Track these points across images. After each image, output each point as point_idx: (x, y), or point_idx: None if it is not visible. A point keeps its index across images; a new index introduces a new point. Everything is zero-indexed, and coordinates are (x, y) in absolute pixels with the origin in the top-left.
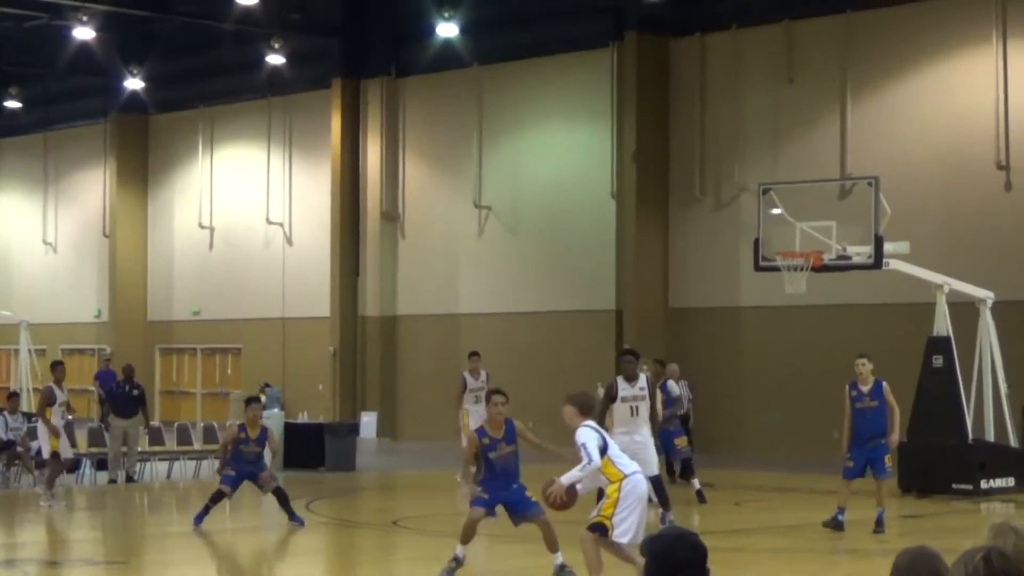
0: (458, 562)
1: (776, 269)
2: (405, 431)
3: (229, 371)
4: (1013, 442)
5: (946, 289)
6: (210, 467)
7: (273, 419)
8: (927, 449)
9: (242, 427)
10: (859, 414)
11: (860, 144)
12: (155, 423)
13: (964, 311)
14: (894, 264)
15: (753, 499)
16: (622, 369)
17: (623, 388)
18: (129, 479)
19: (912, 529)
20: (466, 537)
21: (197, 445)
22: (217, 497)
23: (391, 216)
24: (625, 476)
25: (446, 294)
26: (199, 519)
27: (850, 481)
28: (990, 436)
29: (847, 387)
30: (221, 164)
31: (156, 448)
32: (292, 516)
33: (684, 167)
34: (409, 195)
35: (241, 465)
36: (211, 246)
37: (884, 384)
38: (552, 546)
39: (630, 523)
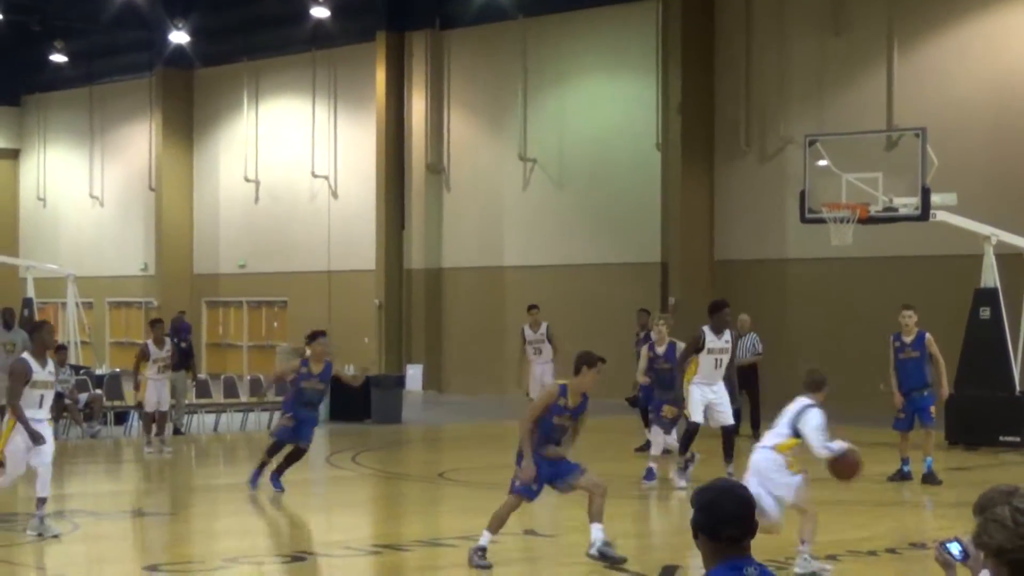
0: (483, 552)
1: (822, 221)
2: (450, 384)
3: (275, 324)
4: None
5: (993, 241)
6: (257, 420)
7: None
8: (974, 401)
9: (304, 362)
10: (901, 365)
11: (907, 95)
12: (202, 376)
13: (1011, 263)
14: (941, 216)
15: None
16: (713, 321)
17: (711, 340)
18: (177, 431)
19: (959, 481)
20: (498, 525)
21: (243, 397)
22: (273, 449)
23: (436, 169)
24: None
25: (491, 247)
26: (255, 479)
27: (906, 432)
28: None
29: (891, 338)
30: (266, 118)
31: (203, 401)
32: (277, 477)
33: (729, 119)
34: (454, 148)
35: (300, 408)
36: (256, 200)
37: (927, 335)
38: (597, 516)
39: None
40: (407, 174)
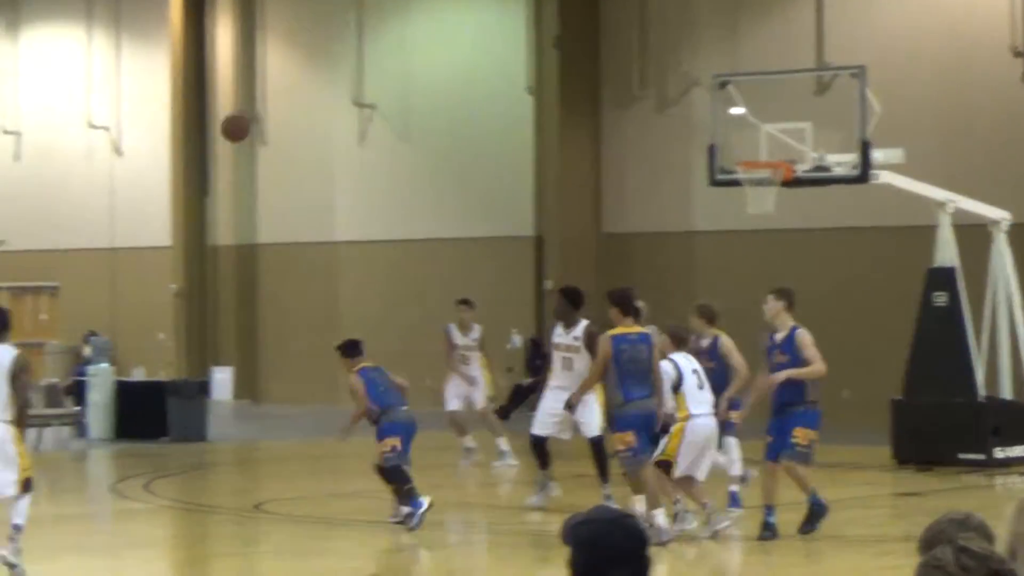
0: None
1: (737, 184)
2: (268, 392)
3: (44, 315)
4: None
5: (950, 208)
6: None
7: (100, 376)
8: (928, 410)
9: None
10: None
11: (841, 26)
12: None
13: (973, 236)
14: (885, 177)
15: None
16: (557, 312)
17: (557, 334)
18: None
19: (909, 510)
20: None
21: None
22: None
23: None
24: (690, 416)
25: (320, 217)
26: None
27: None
28: (1006, 393)
29: (765, 336)
30: (28, 52)
31: None
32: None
33: (620, 55)
34: (270, 92)
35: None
36: (17, 156)
37: (799, 332)
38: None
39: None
40: (211, 125)
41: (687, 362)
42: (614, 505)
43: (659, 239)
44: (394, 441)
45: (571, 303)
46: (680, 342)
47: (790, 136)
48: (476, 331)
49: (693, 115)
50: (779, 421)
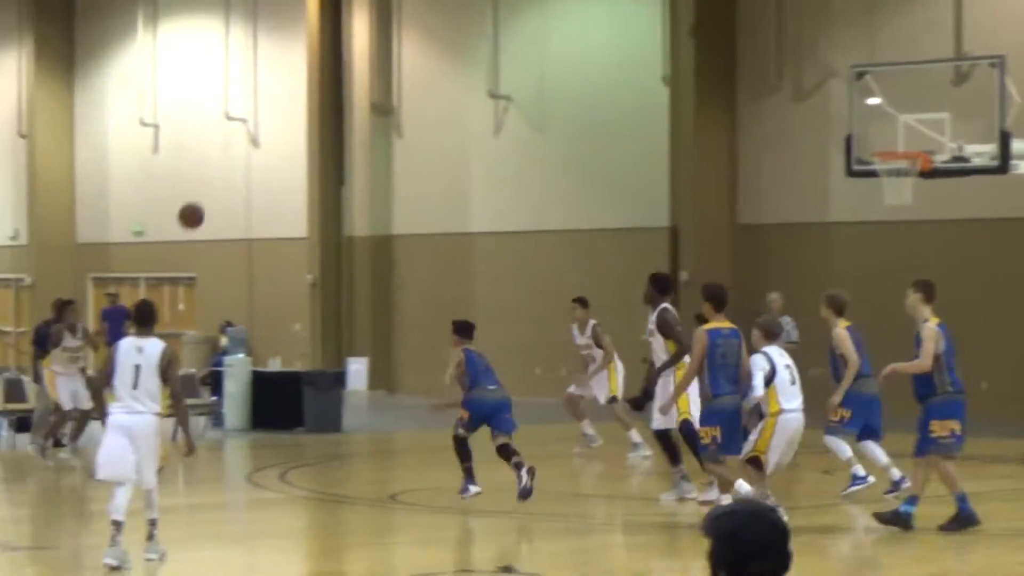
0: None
1: (874, 174)
2: (403, 382)
3: (181, 306)
4: None
5: None
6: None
7: (237, 367)
8: None
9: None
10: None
11: (980, 15)
12: (91, 372)
13: None
14: None
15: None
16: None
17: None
18: (57, 444)
19: None
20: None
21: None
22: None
23: (384, 110)
24: (781, 411)
25: (455, 208)
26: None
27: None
28: None
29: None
30: (168, 44)
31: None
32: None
33: (756, 45)
34: (406, 83)
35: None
36: (156, 149)
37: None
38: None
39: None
40: (347, 116)
41: (780, 356)
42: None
43: (795, 230)
44: (467, 414)
45: (658, 290)
46: (771, 336)
47: (928, 126)
48: (589, 328)
49: (830, 106)
50: (921, 416)
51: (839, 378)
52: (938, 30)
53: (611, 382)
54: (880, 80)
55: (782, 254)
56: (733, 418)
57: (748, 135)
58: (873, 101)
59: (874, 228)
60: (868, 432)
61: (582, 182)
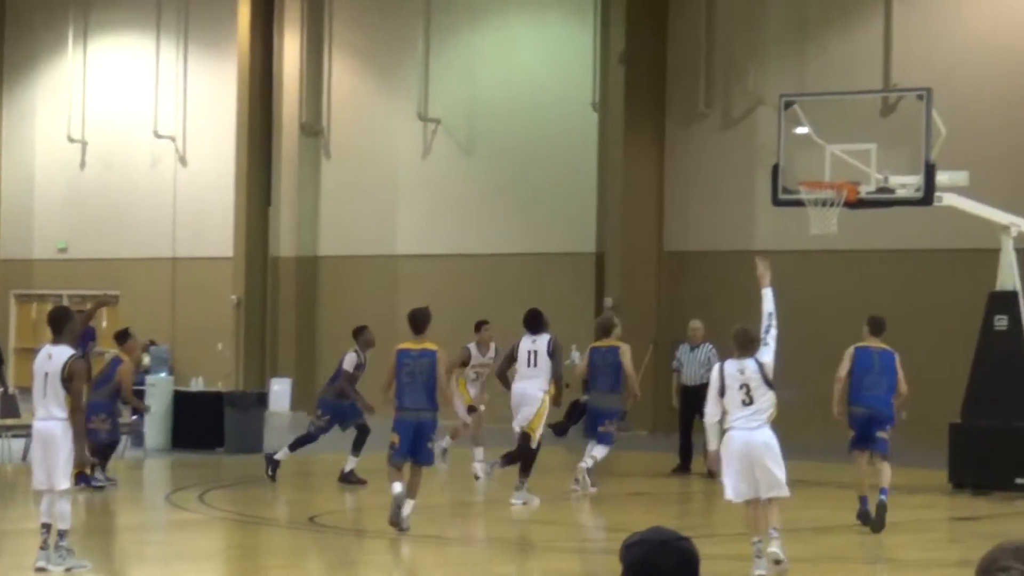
0: None
1: (800, 204)
2: None
3: (104, 323)
4: None
5: (1013, 232)
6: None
7: (159, 386)
8: (985, 434)
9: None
10: None
11: (908, 48)
12: (10, 389)
13: None
14: (948, 199)
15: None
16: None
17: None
18: None
19: (965, 534)
20: None
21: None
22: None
23: (313, 130)
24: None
25: (381, 230)
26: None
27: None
28: None
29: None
30: (98, 60)
31: (10, 421)
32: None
33: (685, 72)
34: (336, 104)
35: None
36: (83, 165)
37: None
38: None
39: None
40: (276, 137)
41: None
42: None
43: (721, 258)
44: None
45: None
46: (741, 348)
47: (855, 157)
48: (492, 351)
49: (758, 134)
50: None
51: None
52: (866, 62)
53: (466, 395)
54: (808, 109)
55: (708, 281)
56: (419, 429)
57: (676, 162)
58: (801, 130)
59: (799, 257)
60: None
61: (510, 206)
